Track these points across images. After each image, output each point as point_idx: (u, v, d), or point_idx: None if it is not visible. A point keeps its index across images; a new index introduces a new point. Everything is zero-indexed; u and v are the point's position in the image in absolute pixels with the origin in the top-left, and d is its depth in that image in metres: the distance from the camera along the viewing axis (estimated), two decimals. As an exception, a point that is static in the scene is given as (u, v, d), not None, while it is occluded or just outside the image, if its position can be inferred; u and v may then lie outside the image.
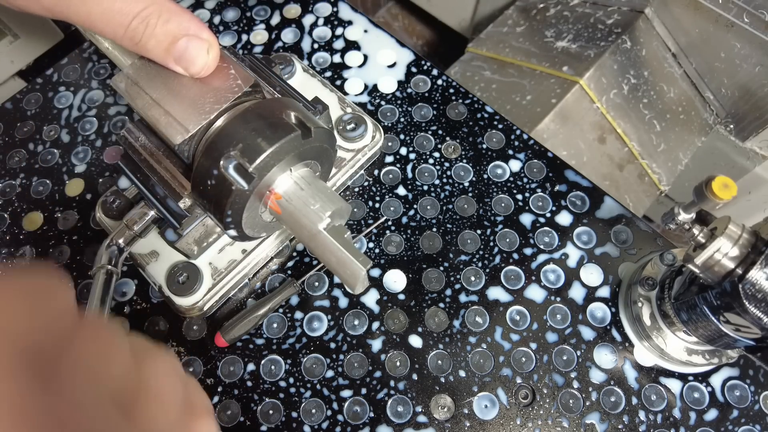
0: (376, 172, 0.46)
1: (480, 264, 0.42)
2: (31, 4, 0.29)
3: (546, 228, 0.43)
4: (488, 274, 0.42)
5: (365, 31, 0.53)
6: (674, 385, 0.38)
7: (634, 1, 0.80)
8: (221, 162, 0.28)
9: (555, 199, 0.44)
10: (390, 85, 0.50)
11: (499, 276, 0.42)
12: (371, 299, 0.41)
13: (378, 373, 0.39)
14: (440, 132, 0.47)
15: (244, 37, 0.53)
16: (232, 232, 0.31)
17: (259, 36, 0.53)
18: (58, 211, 0.45)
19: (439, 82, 0.50)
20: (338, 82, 0.50)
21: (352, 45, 0.52)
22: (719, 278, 0.31)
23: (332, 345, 0.40)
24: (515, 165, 0.46)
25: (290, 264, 0.43)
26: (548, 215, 0.44)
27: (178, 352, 0.40)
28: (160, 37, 0.29)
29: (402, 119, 0.48)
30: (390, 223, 0.44)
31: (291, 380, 0.39)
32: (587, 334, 0.40)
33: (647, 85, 0.79)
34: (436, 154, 0.46)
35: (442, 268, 0.42)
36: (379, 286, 0.41)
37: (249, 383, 0.39)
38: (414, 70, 0.50)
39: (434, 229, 0.43)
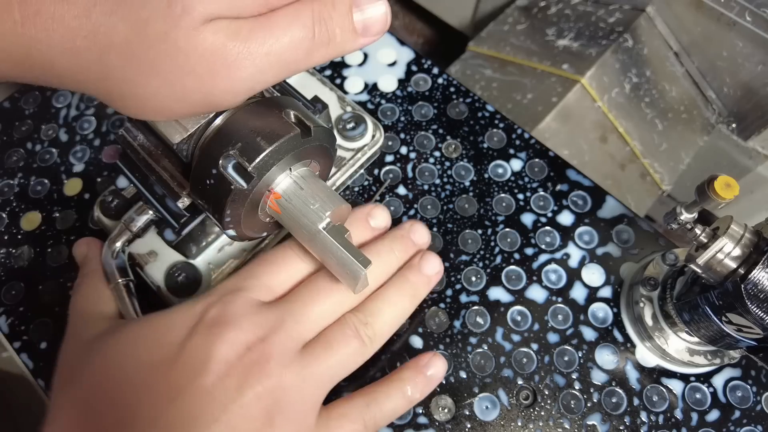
0: (376, 171, 0.45)
1: (481, 264, 0.42)
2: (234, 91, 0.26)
3: (547, 228, 0.43)
4: (489, 275, 0.41)
5: (365, 29, 0.52)
6: (676, 385, 0.38)
7: (636, -1, 0.79)
8: (220, 161, 0.28)
9: (556, 199, 0.44)
10: (390, 83, 0.49)
11: (500, 276, 0.41)
12: (371, 299, 0.41)
13: (378, 374, 0.39)
14: (441, 131, 0.47)
15: (244, 35, 0.53)
16: (231, 232, 0.31)
17: (259, 34, 0.53)
18: (56, 211, 0.45)
19: (440, 80, 0.49)
20: (338, 81, 0.50)
21: (352, 43, 0.52)
22: (721, 278, 0.31)
23: (332, 345, 0.39)
24: (516, 164, 0.45)
25: (290, 264, 0.42)
26: (549, 215, 0.43)
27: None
28: (344, 22, 0.26)
29: (402, 118, 0.48)
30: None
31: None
32: (589, 334, 0.40)
33: (649, 84, 0.78)
34: (437, 154, 0.46)
35: (442, 268, 0.42)
36: (379, 286, 0.41)
37: (248, 384, 0.39)
38: (414, 68, 0.50)
39: (435, 229, 0.43)
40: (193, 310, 0.31)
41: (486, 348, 0.39)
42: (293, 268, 0.34)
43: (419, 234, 0.37)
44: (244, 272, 0.34)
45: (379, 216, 0.37)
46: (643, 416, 0.37)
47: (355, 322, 0.32)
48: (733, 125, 0.81)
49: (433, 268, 0.36)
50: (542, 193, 0.44)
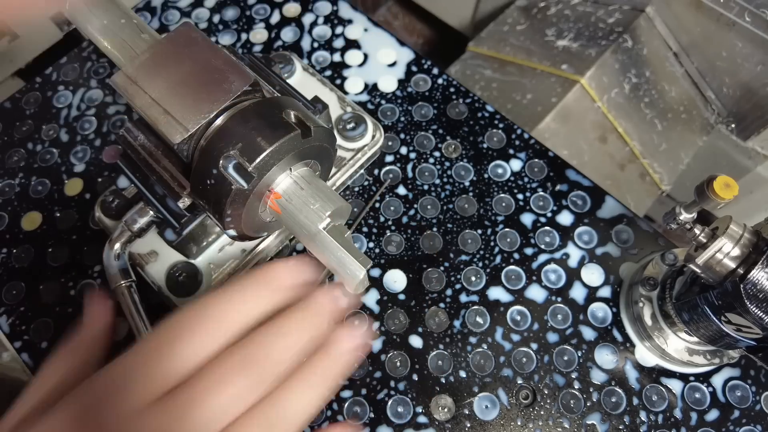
0: (376, 171, 0.46)
1: (480, 264, 0.42)
2: None
3: (547, 228, 0.43)
4: (489, 274, 0.42)
5: (365, 29, 0.52)
6: (675, 385, 0.38)
7: (635, -1, 0.79)
8: (220, 161, 0.28)
9: (556, 199, 0.44)
10: (390, 84, 0.50)
11: (500, 276, 0.41)
12: (371, 299, 0.41)
13: (378, 374, 0.39)
14: (441, 131, 0.47)
15: (244, 36, 0.53)
16: (232, 232, 0.31)
17: (259, 35, 0.53)
18: (57, 211, 0.45)
19: (440, 81, 0.49)
20: (338, 81, 0.50)
21: (352, 44, 0.52)
22: (721, 278, 0.31)
23: (332, 345, 0.40)
24: (516, 164, 0.46)
25: (290, 264, 0.42)
26: (549, 215, 0.44)
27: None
28: None
29: (402, 118, 0.48)
30: (391, 222, 0.43)
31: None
32: (588, 334, 0.40)
33: (648, 84, 0.79)
34: (437, 154, 0.46)
35: (442, 268, 0.42)
36: (379, 286, 0.41)
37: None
38: (414, 68, 0.50)
39: (434, 229, 0.43)
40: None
41: (486, 347, 0.39)
42: (198, 343, 0.26)
43: (336, 301, 0.30)
44: (134, 358, 0.26)
45: (286, 275, 0.29)
46: (643, 416, 0.37)
47: (257, 427, 0.26)
48: (733, 125, 0.82)
49: (349, 346, 0.29)
50: (542, 193, 0.44)
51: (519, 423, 0.37)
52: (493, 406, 0.38)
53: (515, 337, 0.39)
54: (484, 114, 0.48)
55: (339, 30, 0.53)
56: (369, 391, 0.38)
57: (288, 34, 0.53)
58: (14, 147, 0.48)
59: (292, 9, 0.54)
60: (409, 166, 0.46)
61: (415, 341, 0.39)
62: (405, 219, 0.44)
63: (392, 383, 0.38)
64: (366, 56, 0.51)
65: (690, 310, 0.34)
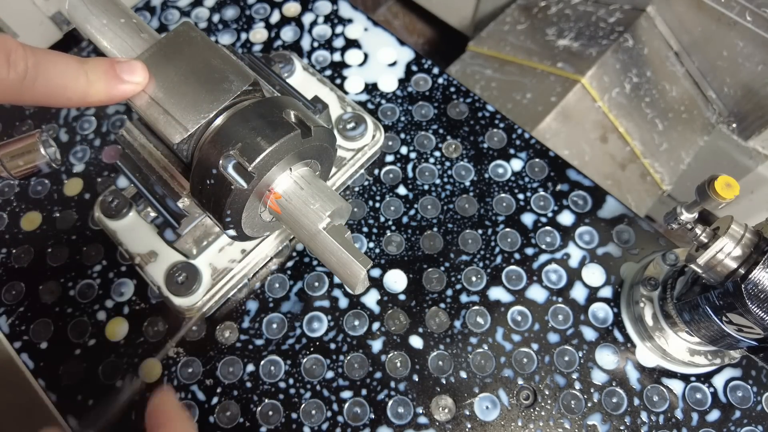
0: (376, 171, 0.45)
1: (481, 264, 0.42)
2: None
3: (548, 228, 0.43)
4: (489, 275, 0.41)
5: (365, 29, 0.52)
6: (676, 385, 0.38)
7: (636, -1, 0.79)
8: (220, 161, 0.28)
9: (557, 199, 0.44)
10: (390, 83, 0.49)
11: (501, 276, 0.41)
12: (371, 299, 0.41)
13: (378, 374, 0.39)
14: (441, 131, 0.47)
15: (243, 35, 0.53)
16: (232, 232, 0.31)
17: (259, 34, 0.53)
18: (56, 211, 0.45)
19: (440, 80, 0.49)
20: (338, 81, 0.50)
21: (352, 43, 0.52)
22: (722, 278, 0.31)
23: (332, 346, 0.40)
24: (517, 164, 0.45)
25: (290, 264, 0.42)
26: (550, 215, 0.43)
27: (177, 352, 0.40)
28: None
29: (402, 118, 0.48)
30: (391, 222, 0.43)
31: (291, 381, 0.39)
32: (589, 334, 0.39)
33: (649, 83, 0.78)
34: (437, 154, 0.46)
35: (443, 268, 0.42)
36: (379, 286, 0.41)
37: (248, 384, 0.39)
38: (414, 68, 0.50)
39: (435, 229, 0.43)
40: None
41: (486, 348, 0.39)
42: None
43: None
44: None
45: None
46: (644, 416, 0.37)
47: None
48: (734, 125, 0.81)
49: None
50: (542, 193, 0.44)
51: (520, 424, 0.37)
52: (493, 407, 0.37)
53: (516, 338, 0.39)
54: (484, 114, 0.48)
55: (339, 29, 0.52)
56: (369, 391, 0.38)
57: (288, 34, 0.53)
58: (14, 147, 0.48)
59: (291, 8, 0.54)
60: (410, 166, 0.46)
61: (416, 342, 0.39)
62: (405, 219, 0.43)
63: (392, 384, 0.38)
64: (366, 56, 0.51)
65: (691, 310, 0.34)
